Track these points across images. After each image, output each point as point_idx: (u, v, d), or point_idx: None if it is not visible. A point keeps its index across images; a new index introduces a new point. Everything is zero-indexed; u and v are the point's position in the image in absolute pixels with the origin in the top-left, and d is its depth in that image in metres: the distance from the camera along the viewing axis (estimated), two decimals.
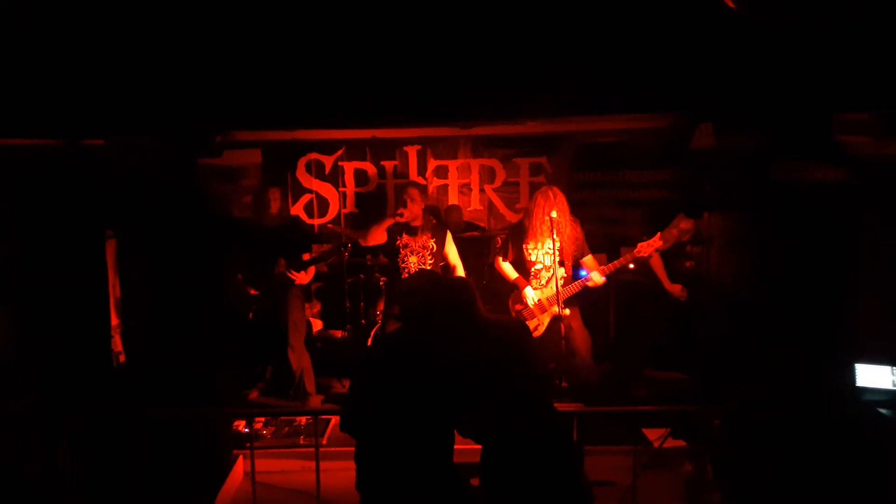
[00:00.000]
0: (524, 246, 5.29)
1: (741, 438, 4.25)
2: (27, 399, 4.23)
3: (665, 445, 4.57)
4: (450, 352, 3.22)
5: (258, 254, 5.80)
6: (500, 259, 5.43)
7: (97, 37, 4.14)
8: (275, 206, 5.84)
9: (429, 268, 5.34)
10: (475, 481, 3.35)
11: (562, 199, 5.11)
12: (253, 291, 6.01)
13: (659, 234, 5.08)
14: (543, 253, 5.24)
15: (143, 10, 4.07)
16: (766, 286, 4.33)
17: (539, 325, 5.26)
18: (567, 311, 5.11)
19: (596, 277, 5.08)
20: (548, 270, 5.24)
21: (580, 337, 5.28)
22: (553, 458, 3.07)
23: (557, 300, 4.92)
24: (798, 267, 4.22)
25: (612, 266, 5.11)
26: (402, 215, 5.29)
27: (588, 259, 5.26)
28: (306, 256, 5.90)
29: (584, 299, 5.32)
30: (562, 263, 5.13)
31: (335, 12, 4.13)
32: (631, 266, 5.15)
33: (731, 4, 3.93)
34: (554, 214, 4.97)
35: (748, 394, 4.31)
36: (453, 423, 3.16)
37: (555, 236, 4.97)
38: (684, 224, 5.32)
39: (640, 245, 5.05)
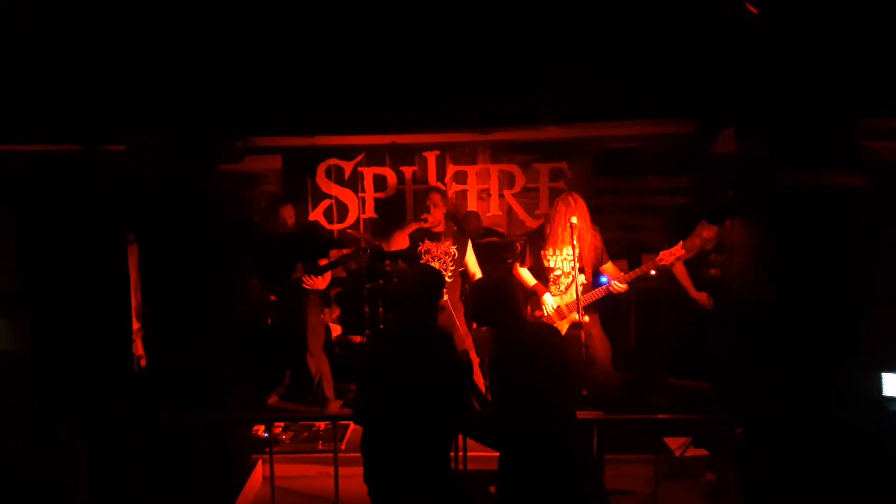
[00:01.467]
0: (543, 252, 5.26)
1: (763, 447, 4.20)
2: (35, 401, 4.27)
3: (686, 454, 4.53)
4: (445, 349, 3.22)
5: (276, 259, 5.82)
6: (518, 265, 5.41)
7: (118, 43, 4.18)
8: (290, 222, 5.87)
9: (449, 273, 5.33)
10: (493, 489, 3.34)
11: (582, 205, 5.09)
12: (272, 297, 6.03)
13: (681, 242, 5.03)
14: (562, 259, 5.21)
15: (164, 17, 4.10)
16: (789, 293, 4.28)
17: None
18: (587, 318, 5.08)
19: (617, 284, 5.05)
20: (567, 277, 5.21)
21: (600, 344, 5.24)
22: (563, 462, 3.07)
23: (578, 307, 4.88)
24: (822, 274, 4.17)
25: (633, 273, 5.08)
26: (426, 220, 5.29)
27: (608, 266, 5.22)
28: (324, 262, 5.91)
29: (604, 306, 5.28)
30: (581, 270, 5.10)
31: (354, 21, 4.15)
32: (652, 273, 5.11)
33: (753, 10, 3.90)
34: (574, 221, 4.94)
35: (771, 402, 4.26)
36: (447, 417, 3.15)
37: (575, 243, 4.94)
38: (707, 233, 5.28)
39: (662, 253, 5.01)
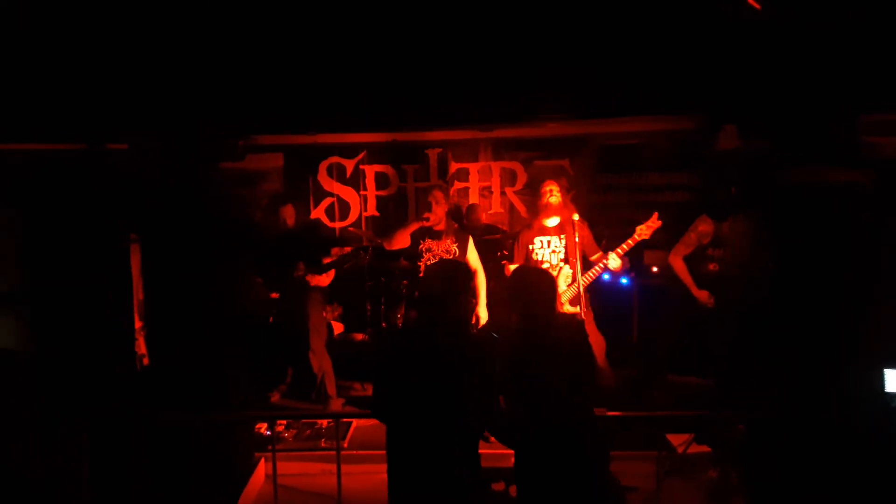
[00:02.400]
0: (531, 245, 5.21)
1: (766, 444, 4.20)
2: (44, 399, 4.27)
3: (689, 451, 4.53)
4: (458, 347, 3.19)
5: (278, 257, 5.83)
6: (508, 263, 5.38)
7: (120, 44, 4.18)
8: (290, 222, 5.88)
9: None
10: (497, 486, 3.34)
11: (564, 185, 5.14)
12: (273, 295, 6.04)
13: (655, 214, 4.95)
14: (550, 252, 5.16)
15: (165, 17, 4.11)
16: (791, 290, 4.27)
17: None
18: (578, 310, 5.02)
19: (613, 259, 4.97)
20: (554, 269, 5.12)
21: (593, 341, 5.15)
22: (580, 458, 3.06)
23: (580, 301, 4.82)
24: (824, 270, 4.17)
25: (619, 250, 4.98)
26: (428, 219, 5.28)
27: (598, 257, 5.14)
28: (327, 260, 5.91)
29: (605, 303, 5.22)
30: (566, 261, 5.07)
31: (355, 19, 4.15)
32: (631, 244, 5.04)
33: (755, 6, 3.89)
34: (555, 196, 4.98)
35: (773, 399, 4.25)
36: (471, 418, 3.13)
37: (562, 236, 4.93)
38: (703, 227, 5.25)
39: (637, 228, 4.95)
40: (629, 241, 4.99)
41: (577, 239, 4.89)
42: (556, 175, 5.15)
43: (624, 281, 5.06)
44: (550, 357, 3.15)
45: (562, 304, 4.93)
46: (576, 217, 4.92)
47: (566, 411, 3.13)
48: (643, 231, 4.96)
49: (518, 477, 3.20)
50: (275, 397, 6.11)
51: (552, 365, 3.13)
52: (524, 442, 3.17)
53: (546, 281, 3.35)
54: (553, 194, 5.13)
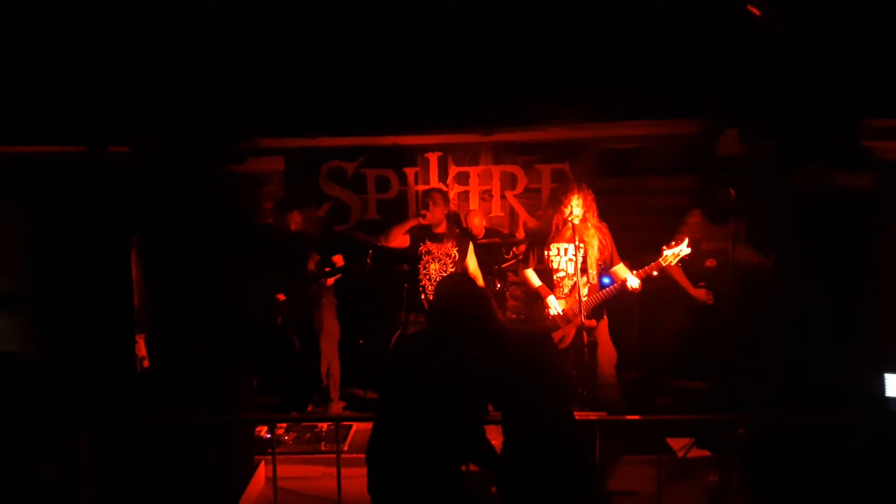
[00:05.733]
0: (547, 252, 5.10)
1: (766, 448, 4.20)
2: (45, 401, 4.27)
3: (689, 455, 4.53)
4: (469, 356, 3.18)
5: (285, 258, 5.83)
6: (522, 267, 5.30)
7: (123, 47, 4.20)
8: (293, 228, 5.88)
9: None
10: (494, 489, 3.34)
11: (590, 198, 4.93)
12: (280, 297, 6.03)
13: (686, 239, 4.83)
14: (567, 260, 5.03)
15: (168, 21, 4.12)
16: (792, 293, 4.28)
17: (565, 336, 5.02)
18: (594, 322, 4.95)
19: (632, 281, 4.82)
20: (570, 279, 5.02)
21: (605, 352, 5.05)
22: (565, 467, 3.05)
23: (580, 308, 4.77)
24: (825, 275, 4.17)
25: (642, 272, 4.86)
26: (424, 216, 5.27)
27: (620, 268, 5.01)
28: (337, 257, 5.88)
29: (611, 310, 5.14)
30: (584, 270, 4.92)
31: (356, 24, 4.16)
32: (655, 273, 4.96)
33: (755, 12, 3.91)
34: (576, 216, 4.82)
35: (774, 403, 4.26)
36: (463, 426, 3.12)
37: (578, 242, 4.83)
38: (693, 219, 5.23)
39: (664, 253, 4.81)
40: (653, 266, 4.84)
41: (577, 242, 4.83)
42: (576, 183, 4.95)
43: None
44: (512, 371, 3.13)
45: (584, 315, 4.80)
46: (576, 215, 4.83)
47: (538, 424, 3.10)
48: (669, 259, 4.79)
49: (500, 490, 3.18)
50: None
51: (517, 378, 3.11)
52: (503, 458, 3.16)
53: (479, 293, 3.29)
54: (576, 212, 4.86)
